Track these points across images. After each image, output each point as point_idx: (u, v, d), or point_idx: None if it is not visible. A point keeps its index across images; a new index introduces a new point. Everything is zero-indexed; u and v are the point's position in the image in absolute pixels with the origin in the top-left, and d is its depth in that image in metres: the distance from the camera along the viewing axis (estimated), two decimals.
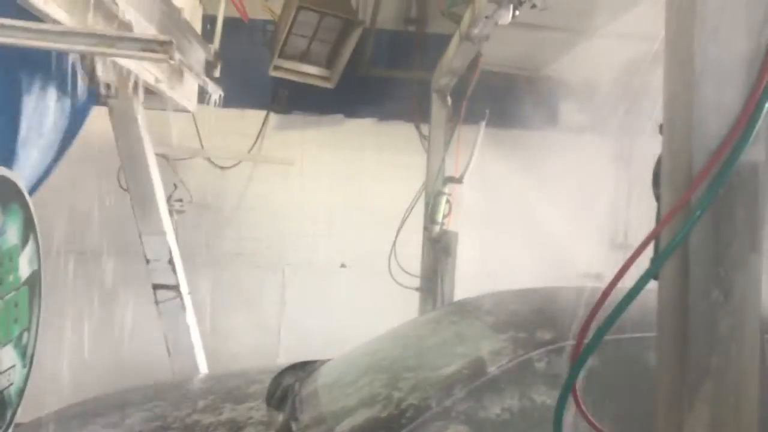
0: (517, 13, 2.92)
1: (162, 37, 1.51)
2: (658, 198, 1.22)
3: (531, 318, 2.52)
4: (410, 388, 2.23)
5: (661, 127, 1.24)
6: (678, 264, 1.12)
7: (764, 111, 1.08)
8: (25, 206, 1.53)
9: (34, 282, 1.59)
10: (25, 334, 1.57)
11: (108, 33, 1.61)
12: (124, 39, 1.55)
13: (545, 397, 2.11)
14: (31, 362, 1.59)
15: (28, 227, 1.54)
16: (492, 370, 2.16)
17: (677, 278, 1.13)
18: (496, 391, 2.11)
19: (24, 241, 1.52)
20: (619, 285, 1.22)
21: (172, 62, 1.55)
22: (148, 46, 1.51)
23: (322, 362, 3.23)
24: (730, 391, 1.12)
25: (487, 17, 2.95)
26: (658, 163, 1.22)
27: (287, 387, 2.88)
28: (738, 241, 1.10)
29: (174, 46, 1.48)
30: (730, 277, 1.10)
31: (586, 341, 1.22)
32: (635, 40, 4.09)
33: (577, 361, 1.17)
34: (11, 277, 1.47)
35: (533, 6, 2.81)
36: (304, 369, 3.16)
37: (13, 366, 1.50)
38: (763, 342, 1.24)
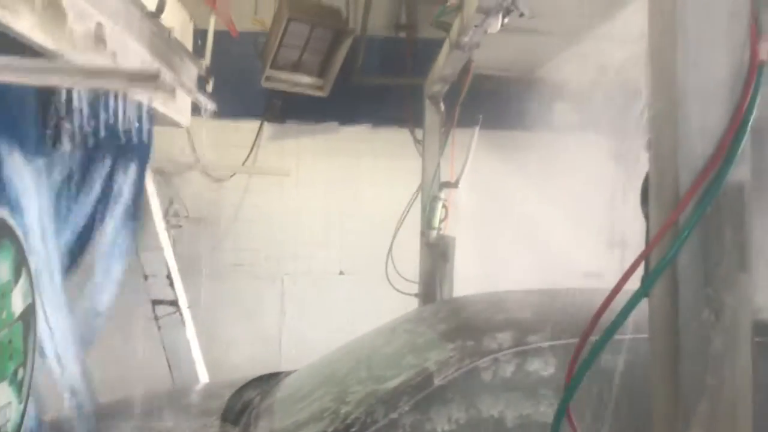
0: (506, 21, 2.92)
1: (149, 70, 1.51)
2: (647, 216, 1.22)
3: (480, 325, 2.49)
4: (358, 401, 2.21)
5: (648, 142, 1.24)
6: (668, 284, 1.12)
7: (748, 130, 1.08)
8: (15, 241, 1.53)
9: (28, 316, 1.59)
10: (21, 370, 1.57)
11: (94, 67, 1.62)
12: (110, 72, 1.55)
13: (491, 406, 2.10)
14: (27, 398, 1.58)
15: (20, 261, 1.54)
16: (438, 381, 2.14)
17: (667, 298, 1.13)
18: (442, 403, 2.10)
19: (17, 277, 1.52)
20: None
21: (159, 92, 1.55)
22: (135, 78, 1.51)
23: (287, 374, 3.20)
24: (726, 409, 1.12)
25: (476, 26, 2.95)
26: (646, 180, 1.22)
27: (248, 401, 2.86)
28: (726, 260, 1.10)
29: (161, 77, 1.48)
30: (720, 296, 1.10)
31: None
32: (626, 41, 4.11)
33: (571, 382, 1.17)
34: (4, 314, 1.47)
35: (521, 15, 2.80)
36: (268, 382, 3.14)
37: (9, 403, 1.50)
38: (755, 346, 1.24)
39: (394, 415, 2.07)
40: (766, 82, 1.09)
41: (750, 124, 1.08)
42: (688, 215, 1.09)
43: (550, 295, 2.87)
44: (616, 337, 2.36)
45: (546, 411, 2.09)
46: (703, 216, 1.08)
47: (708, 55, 1.10)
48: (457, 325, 2.59)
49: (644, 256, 1.13)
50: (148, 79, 1.50)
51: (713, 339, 1.11)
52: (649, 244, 1.13)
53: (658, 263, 1.11)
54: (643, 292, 1.12)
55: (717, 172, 1.08)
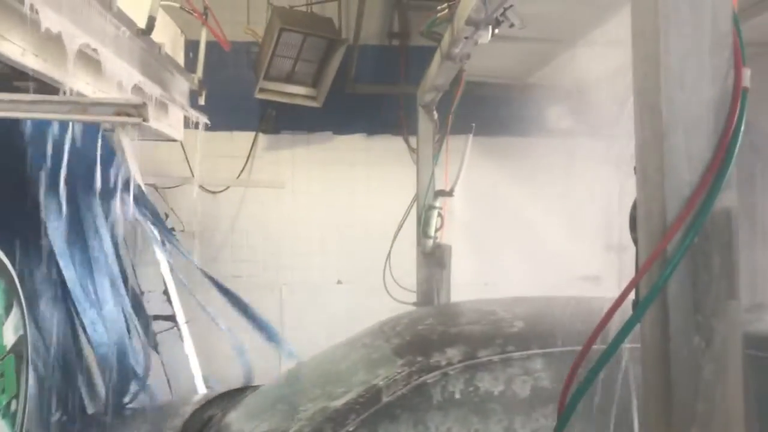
0: (497, 32, 2.92)
1: (135, 100, 1.51)
2: (635, 241, 1.22)
3: (434, 339, 2.48)
4: (307, 419, 2.18)
5: (635, 168, 1.24)
6: (657, 312, 1.12)
7: (734, 157, 1.08)
8: (6, 273, 1.52)
9: (20, 347, 1.58)
10: (14, 402, 1.56)
11: (81, 100, 1.62)
12: (97, 104, 1.55)
13: (440, 423, 2.08)
14: (21, 430, 1.58)
15: (11, 294, 1.54)
16: (386, 397, 2.12)
17: (657, 326, 1.13)
18: (390, 420, 2.08)
19: (7, 310, 1.52)
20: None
21: (146, 123, 1.55)
22: (122, 109, 1.51)
23: (253, 389, 3.18)
24: None
25: (466, 38, 2.95)
26: (635, 207, 1.22)
27: (208, 419, 2.83)
28: (715, 287, 1.10)
29: (147, 108, 1.48)
30: (710, 323, 1.10)
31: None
32: (617, 45, 4.11)
33: (563, 415, 1.17)
34: None
35: (512, 25, 2.81)
36: (231, 398, 3.11)
37: None
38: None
39: None
40: (750, 108, 1.09)
41: (736, 150, 1.08)
42: (676, 243, 1.08)
43: (521, 304, 2.83)
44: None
45: (495, 428, 2.08)
46: (692, 243, 1.08)
47: (691, 81, 1.10)
48: (411, 339, 2.55)
49: (634, 284, 1.13)
50: (134, 109, 1.50)
51: (704, 366, 1.10)
52: (638, 272, 1.12)
53: (648, 292, 1.10)
54: (636, 319, 1.12)
55: (704, 199, 1.08)
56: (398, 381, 2.16)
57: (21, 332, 1.59)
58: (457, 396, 2.12)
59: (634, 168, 1.23)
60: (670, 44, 1.10)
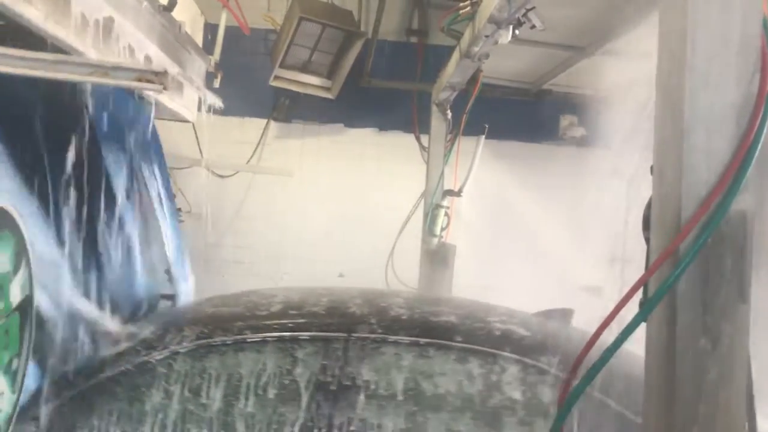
0: (517, 32, 2.92)
1: (157, 68, 1.52)
2: (647, 240, 1.22)
3: (184, 319, 2.47)
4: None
5: (652, 168, 1.24)
6: (665, 311, 1.12)
7: (754, 159, 1.08)
8: (17, 232, 1.53)
9: (26, 307, 1.59)
10: (15, 360, 1.57)
11: (102, 62, 1.62)
12: (118, 68, 1.55)
13: (159, 402, 2.05)
14: (20, 389, 1.59)
15: (21, 253, 1.54)
16: (106, 372, 2.08)
17: (665, 325, 1.12)
18: (109, 395, 2.05)
19: (16, 267, 1.52)
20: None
21: (166, 91, 1.55)
22: (143, 75, 1.51)
23: None
24: None
25: (487, 36, 2.95)
26: (648, 206, 1.22)
27: None
28: (726, 289, 1.09)
29: (168, 76, 1.49)
30: (718, 325, 1.10)
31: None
32: (635, 57, 4.10)
33: (563, 407, 1.17)
34: (2, 305, 1.47)
35: (533, 27, 2.81)
36: None
37: (2, 393, 1.50)
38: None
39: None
40: None
41: (756, 153, 1.08)
42: (689, 243, 1.08)
43: (311, 294, 2.73)
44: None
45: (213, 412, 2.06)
46: (705, 244, 1.08)
47: (716, 83, 1.10)
48: (169, 318, 2.55)
49: (643, 282, 1.13)
50: (155, 77, 1.50)
51: (709, 367, 1.10)
52: (649, 269, 1.12)
53: (657, 290, 1.10)
54: (642, 317, 1.12)
55: (720, 200, 1.08)
56: (122, 357, 2.12)
57: (27, 292, 1.60)
58: (182, 377, 2.09)
59: (651, 167, 1.23)
60: (697, 44, 1.10)
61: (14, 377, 1.57)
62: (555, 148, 5.59)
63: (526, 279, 5.45)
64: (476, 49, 3.16)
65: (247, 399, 2.07)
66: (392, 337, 2.19)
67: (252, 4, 5.05)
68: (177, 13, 3.08)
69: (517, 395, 2.07)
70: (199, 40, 4.14)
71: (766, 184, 1.22)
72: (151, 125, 3.11)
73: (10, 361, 1.54)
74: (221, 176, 5.55)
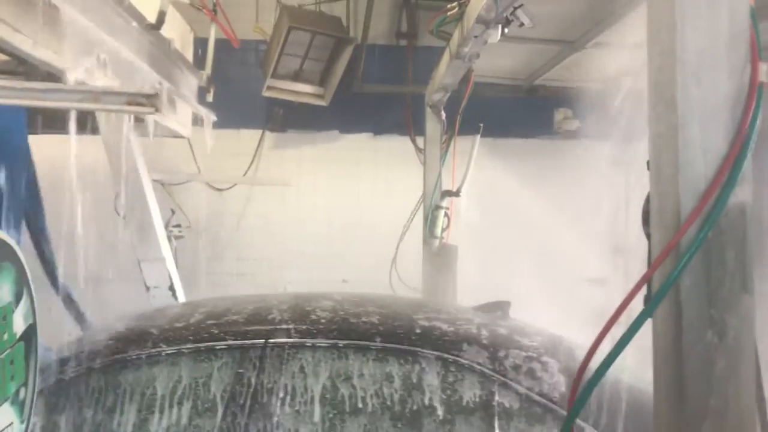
0: (506, 31, 2.92)
1: (147, 90, 1.52)
2: (648, 236, 1.22)
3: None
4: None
5: (648, 163, 1.23)
6: (671, 306, 1.12)
7: (750, 151, 1.08)
8: (17, 262, 1.53)
9: (30, 336, 1.59)
10: (23, 390, 1.57)
11: (93, 88, 1.62)
12: (109, 93, 1.55)
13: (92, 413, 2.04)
14: (29, 417, 1.59)
15: (22, 283, 1.54)
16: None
17: (670, 320, 1.12)
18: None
19: (18, 297, 1.52)
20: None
21: (158, 114, 1.55)
22: (134, 99, 1.51)
23: None
24: (730, 431, 1.11)
25: (476, 36, 2.95)
26: (647, 201, 1.22)
27: None
28: (729, 281, 1.09)
29: (159, 97, 1.49)
30: (723, 318, 1.10)
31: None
32: (625, 48, 4.11)
33: (574, 406, 1.17)
34: (6, 336, 1.47)
35: (521, 25, 2.81)
36: None
37: (11, 424, 1.50)
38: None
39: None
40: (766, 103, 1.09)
41: (751, 144, 1.08)
42: (690, 237, 1.08)
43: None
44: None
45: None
46: (706, 237, 1.08)
47: (708, 76, 1.10)
48: (92, 335, 2.51)
49: (646, 278, 1.12)
50: (146, 99, 1.50)
51: (717, 360, 1.10)
52: (651, 266, 1.12)
53: (660, 286, 1.10)
54: (647, 313, 1.12)
55: (719, 193, 1.08)
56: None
57: (30, 321, 1.59)
58: (96, 394, 2.06)
59: (647, 162, 1.23)
60: (687, 38, 1.10)
61: (22, 407, 1.57)
62: (551, 142, 5.59)
63: (530, 275, 5.45)
64: (466, 49, 3.16)
65: (162, 413, 2.04)
66: (310, 341, 2.16)
67: (241, 17, 5.05)
68: (166, 30, 3.08)
69: (437, 392, 2.05)
70: (189, 55, 4.13)
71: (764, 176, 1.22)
72: None
73: (18, 391, 1.54)
74: (219, 189, 5.55)
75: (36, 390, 1.63)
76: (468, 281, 4.70)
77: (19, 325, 1.53)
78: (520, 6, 2.80)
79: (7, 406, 1.49)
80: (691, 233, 1.08)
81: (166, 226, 4.43)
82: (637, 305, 1.18)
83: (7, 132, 2.26)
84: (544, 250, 5.44)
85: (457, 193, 4.43)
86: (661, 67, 1.14)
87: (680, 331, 1.11)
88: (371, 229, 5.52)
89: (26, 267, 1.57)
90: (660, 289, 1.09)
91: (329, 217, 5.63)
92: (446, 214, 4.63)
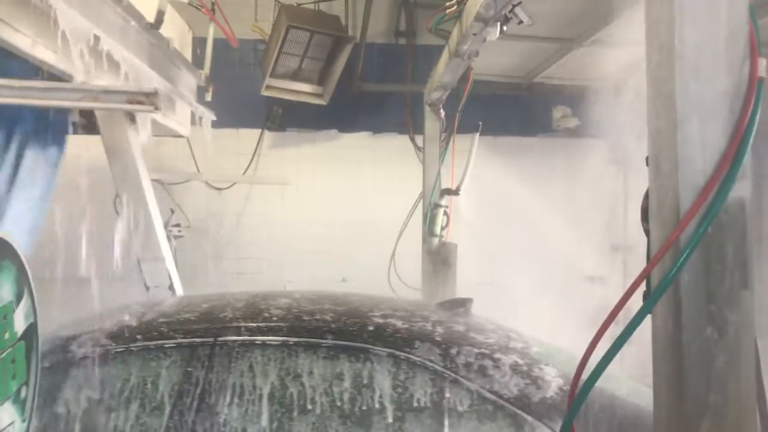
0: (505, 29, 2.92)
1: (147, 89, 1.52)
2: (647, 233, 1.22)
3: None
4: None
5: (647, 159, 1.23)
6: (670, 302, 1.12)
7: (749, 147, 1.08)
8: (17, 261, 1.53)
9: (30, 335, 1.59)
10: (24, 389, 1.57)
11: (93, 87, 1.62)
12: (109, 92, 1.55)
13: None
14: (30, 416, 1.59)
15: (23, 282, 1.54)
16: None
17: (670, 316, 1.12)
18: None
19: (19, 297, 1.52)
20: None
21: (158, 112, 1.55)
22: (134, 97, 1.51)
23: None
24: (730, 427, 1.11)
25: (474, 34, 2.95)
26: (646, 197, 1.22)
27: None
28: (728, 277, 1.09)
29: (159, 96, 1.49)
30: (723, 314, 1.10)
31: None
32: (624, 45, 4.11)
33: (573, 404, 1.17)
34: (7, 335, 1.47)
35: (520, 22, 2.80)
36: None
37: (12, 422, 1.50)
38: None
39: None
40: (765, 98, 1.09)
41: (751, 140, 1.08)
42: (689, 233, 1.08)
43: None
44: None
45: None
46: (705, 233, 1.08)
47: (707, 72, 1.10)
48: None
49: (645, 274, 1.13)
50: (146, 98, 1.50)
51: (717, 357, 1.10)
52: (650, 262, 1.12)
53: (660, 282, 1.10)
54: (647, 309, 1.12)
55: (718, 189, 1.08)
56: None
57: (31, 320, 1.60)
58: (47, 393, 2.03)
59: (646, 159, 1.23)
60: (685, 34, 1.10)
61: (23, 406, 1.57)
62: (550, 140, 5.59)
63: (530, 273, 5.46)
64: (465, 47, 3.15)
65: (110, 411, 2.03)
66: (260, 339, 2.15)
67: (239, 16, 5.06)
68: (164, 30, 3.08)
69: (388, 390, 2.04)
70: (188, 55, 4.14)
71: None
72: None
73: (19, 390, 1.54)
74: (219, 189, 5.55)
75: (37, 389, 1.63)
76: (467, 279, 4.70)
77: (20, 324, 1.54)
78: (519, 3, 2.80)
79: (8, 404, 1.49)
80: (690, 229, 1.08)
81: (166, 226, 4.43)
82: (636, 303, 1.19)
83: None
84: (543, 248, 5.44)
85: (456, 192, 4.43)
86: (660, 63, 1.14)
87: (680, 327, 1.11)
88: (371, 227, 5.53)
89: (27, 266, 1.57)
90: (659, 285, 1.09)
91: (328, 216, 5.63)
92: (445, 213, 4.63)
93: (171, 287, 4.14)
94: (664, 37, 1.13)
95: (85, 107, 1.70)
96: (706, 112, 1.09)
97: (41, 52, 2.25)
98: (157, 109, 1.53)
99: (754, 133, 1.07)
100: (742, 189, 1.09)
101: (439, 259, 4.67)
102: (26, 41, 2.15)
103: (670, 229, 1.11)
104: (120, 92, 1.56)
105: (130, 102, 1.53)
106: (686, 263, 1.08)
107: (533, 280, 5.45)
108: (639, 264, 1.22)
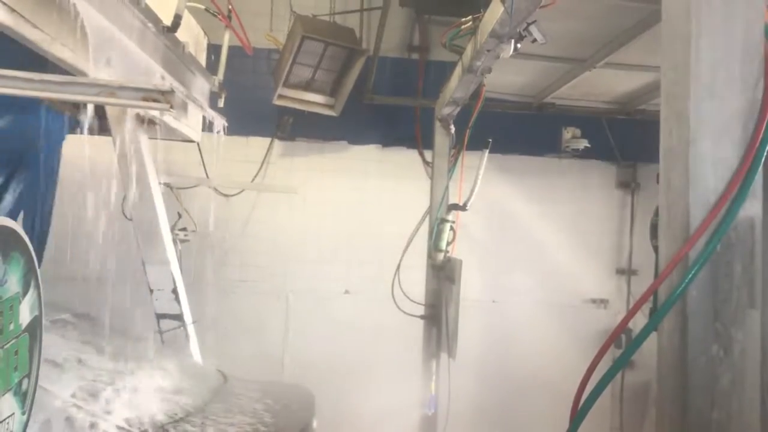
0: (519, 46, 2.94)
1: (163, 87, 1.53)
2: (656, 249, 1.22)
3: None
4: None
5: (658, 176, 1.24)
6: (677, 319, 1.12)
7: (761, 166, 1.08)
8: (26, 252, 1.54)
9: (34, 327, 1.59)
10: (25, 381, 1.57)
11: (109, 83, 1.63)
12: (125, 88, 1.57)
13: None
14: (30, 409, 1.59)
15: (30, 274, 1.55)
16: None
17: (676, 333, 1.12)
18: None
19: (25, 289, 1.53)
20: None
21: (172, 111, 1.56)
22: (149, 95, 1.53)
23: None
24: None
25: (489, 50, 2.97)
26: (656, 214, 1.22)
27: None
28: (736, 296, 1.10)
29: (175, 95, 1.50)
30: (729, 332, 1.10)
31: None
32: (635, 69, 4.13)
33: (575, 420, 1.17)
34: (12, 326, 1.47)
35: (534, 41, 2.82)
36: None
37: (12, 414, 1.50)
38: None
39: None
40: None
41: (762, 159, 1.08)
42: (698, 250, 1.09)
43: None
44: None
45: None
46: (714, 251, 1.08)
47: (721, 91, 1.10)
48: None
49: (653, 289, 1.13)
50: (161, 96, 1.51)
51: (721, 374, 1.10)
52: (658, 277, 1.12)
53: (667, 298, 1.10)
54: (653, 325, 1.12)
55: (728, 207, 1.08)
56: None
57: (36, 313, 1.60)
58: None
59: (657, 176, 1.24)
60: (701, 52, 1.11)
61: (24, 398, 1.57)
62: (558, 160, 5.60)
63: (533, 292, 5.45)
64: (478, 63, 3.17)
65: None
66: None
67: (255, 24, 5.08)
68: (180, 34, 3.10)
69: None
70: (202, 60, 4.16)
71: None
72: None
73: (20, 382, 1.54)
74: (226, 195, 5.56)
75: (38, 382, 1.63)
76: (471, 295, 4.70)
77: (25, 316, 1.54)
78: (534, 22, 2.82)
79: (9, 396, 1.49)
80: (699, 246, 1.08)
81: (172, 230, 4.44)
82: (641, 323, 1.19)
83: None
84: (547, 268, 5.44)
85: (464, 207, 4.44)
86: (675, 80, 1.15)
87: (686, 344, 1.11)
88: (376, 240, 5.52)
89: (35, 257, 1.58)
90: (667, 301, 1.09)
91: (334, 227, 5.63)
92: (452, 228, 4.64)
93: (174, 291, 4.15)
94: (679, 55, 1.14)
95: (102, 102, 1.71)
96: (719, 130, 1.10)
97: (59, 50, 2.27)
98: (172, 107, 1.54)
99: (766, 152, 1.07)
100: (752, 207, 1.09)
101: (443, 274, 4.67)
102: (45, 39, 2.17)
103: (679, 246, 1.11)
104: (136, 89, 1.57)
105: (146, 99, 1.54)
106: (694, 280, 1.08)
107: (536, 300, 5.45)
108: (644, 288, 1.22)
